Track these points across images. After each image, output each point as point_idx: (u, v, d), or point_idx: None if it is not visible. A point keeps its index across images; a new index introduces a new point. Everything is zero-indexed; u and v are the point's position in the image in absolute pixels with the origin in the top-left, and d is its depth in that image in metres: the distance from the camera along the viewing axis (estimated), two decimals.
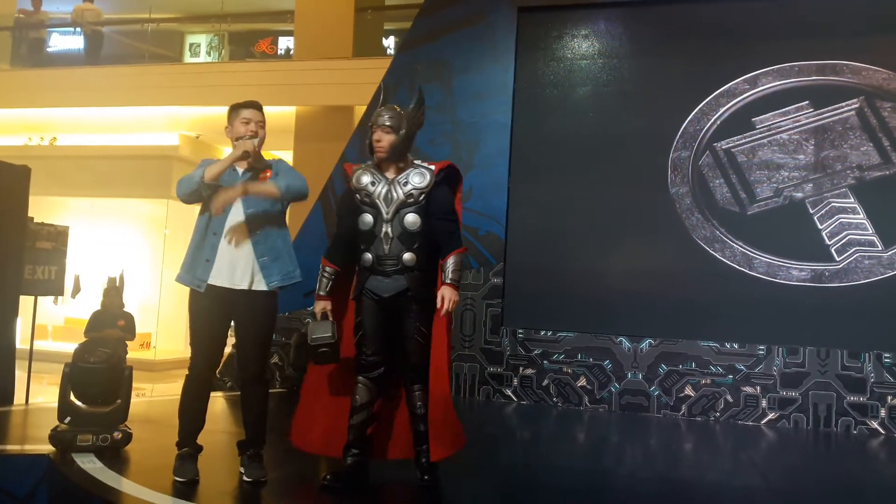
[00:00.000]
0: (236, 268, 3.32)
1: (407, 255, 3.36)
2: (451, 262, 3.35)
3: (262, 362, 3.45)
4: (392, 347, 3.44)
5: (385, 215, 3.39)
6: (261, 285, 3.35)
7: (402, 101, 3.74)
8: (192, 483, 3.26)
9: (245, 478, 3.35)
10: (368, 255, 3.40)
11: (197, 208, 3.42)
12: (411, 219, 3.38)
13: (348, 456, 3.40)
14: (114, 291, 6.40)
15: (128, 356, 5.72)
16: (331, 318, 3.41)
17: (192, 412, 3.39)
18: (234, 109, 3.43)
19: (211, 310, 3.31)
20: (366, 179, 3.45)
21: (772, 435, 5.51)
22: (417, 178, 3.43)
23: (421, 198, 3.40)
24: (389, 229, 3.38)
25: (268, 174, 3.40)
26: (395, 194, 3.40)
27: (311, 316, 3.53)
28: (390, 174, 3.45)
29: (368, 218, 3.40)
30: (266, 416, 3.45)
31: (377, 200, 3.40)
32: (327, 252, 3.53)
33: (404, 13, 10.49)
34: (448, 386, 3.45)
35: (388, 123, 3.40)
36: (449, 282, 3.32)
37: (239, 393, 3.53)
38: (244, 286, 3.32)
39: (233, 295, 3.31)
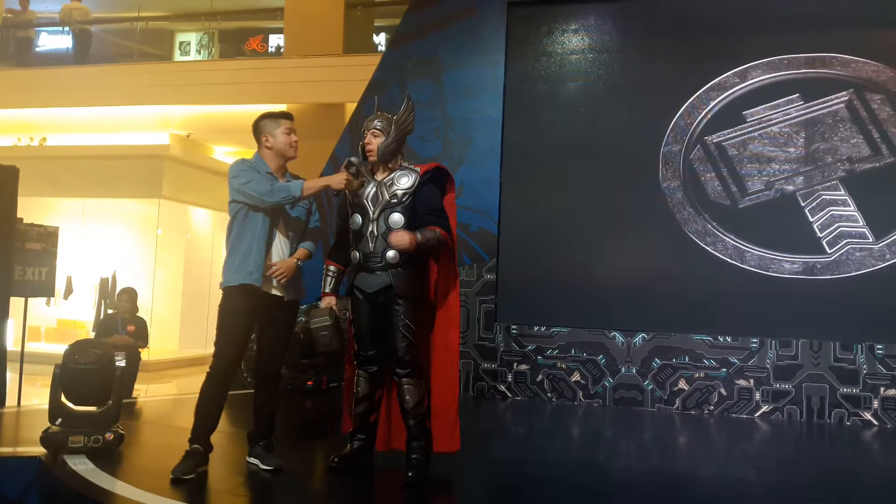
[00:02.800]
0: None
1: (391, 253, 3.46)
2: (428, 229, 3.42)
3: (283, 360, 3.72)
4: (384, 342, 3.54)
5: (371, 215, 3.52)
6: (297, 295, 3.62)
7: (393, 97, 3.76)
8: (180, 481, 3.24)
9: (263, 467, 3.50)
10: (356, 254, 3.57)
11: (243, 215, 3.47)
12: (395, 218, 3.50)
13: (354, 440, 3.63)
14: (125, 296, 6.41)
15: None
16: (334, 309, 3.65)
17: (209, 410, 3.45)
18: (273, 119, 3.56)
19: (255, 312, 3.47)
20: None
21: (766, 427, 5.53)
22: (404, 180, 3.55)
23: (405, 198, 3.52)
24: (375, 228, 3.51)
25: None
26: (381, 195, 3.54)
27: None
28: (379, 176, 3.60)
29: (358, 218, 3.57)
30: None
31: (365, 201, 3.55)
32: (329, 253, 3.78)
33: (394, 9, 10.45)
34: (456, 388, 3.64)
35: (378, 127, 3.57)
36: (415, 233, 3.38)
37: (249, 391, 3.68)
38: (290, 296, 3.56)
39: (271, 300, 3.49)
